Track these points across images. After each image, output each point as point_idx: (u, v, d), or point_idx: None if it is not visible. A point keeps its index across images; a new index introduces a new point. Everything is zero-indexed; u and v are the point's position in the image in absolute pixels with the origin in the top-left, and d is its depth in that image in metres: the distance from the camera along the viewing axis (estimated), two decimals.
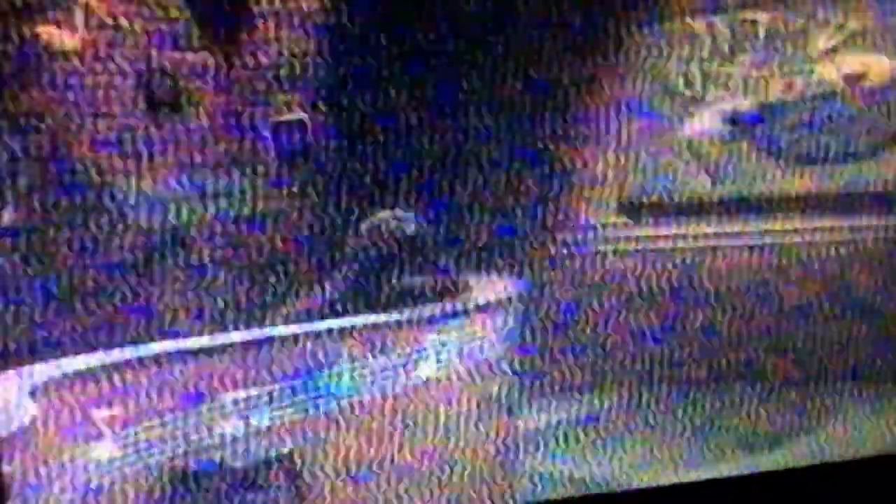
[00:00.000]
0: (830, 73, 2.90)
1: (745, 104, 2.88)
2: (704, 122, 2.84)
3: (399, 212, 2.52)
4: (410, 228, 2.53)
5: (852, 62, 2.94)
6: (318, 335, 2.47)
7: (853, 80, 2.91)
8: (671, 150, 2.81)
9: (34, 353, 2.29)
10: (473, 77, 2.51)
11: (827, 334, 3.06)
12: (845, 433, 3.05)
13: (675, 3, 2.73)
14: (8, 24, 2.12)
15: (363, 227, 2.48)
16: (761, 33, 2.86)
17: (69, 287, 2.29)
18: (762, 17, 2.85)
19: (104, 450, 2.32)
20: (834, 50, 2.90)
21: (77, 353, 2.32)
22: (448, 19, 2.46)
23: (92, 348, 2.33)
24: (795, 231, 3.01)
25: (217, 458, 2.41)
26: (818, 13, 2.86)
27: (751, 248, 2.97)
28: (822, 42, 2.89)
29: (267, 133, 2.37)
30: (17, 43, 2.13)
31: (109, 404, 2.34)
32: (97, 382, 2.34)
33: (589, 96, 2.72)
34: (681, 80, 2.80)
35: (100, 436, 2.31)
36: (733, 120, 2.88)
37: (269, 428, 2.46)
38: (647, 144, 2.75)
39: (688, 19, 2.81)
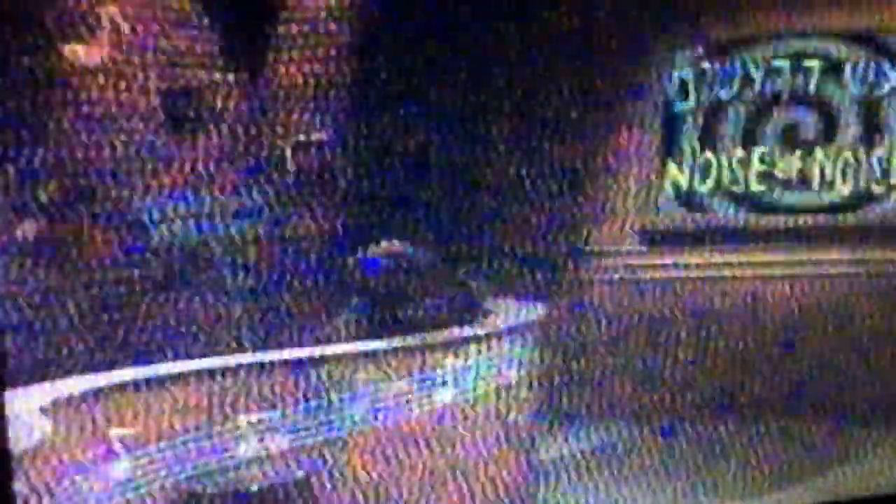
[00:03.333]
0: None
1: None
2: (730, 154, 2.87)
3: (418, 237, 2.51)
4: (430, 254, 2.52)
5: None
6: (336, 359, 2.45)
7: None
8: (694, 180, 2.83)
9: (48, 371, 2.26)
10: (496, 107, 2.53)
11: (843, 371, 3.04)
12: (869, 470, 3.03)
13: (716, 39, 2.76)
14: (34, 42, 2.13)
15: (384, 250, 2.47)
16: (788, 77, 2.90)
17: (86, 304, 2.28)
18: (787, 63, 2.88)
19: (118, 470, 2.28)
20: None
21: (92, 371, 2.29)
22: (472, 51, 2.48)
23: (107, 367, 2.30)
24: (815, 264, 3.01)
25: (232, 480, 2.38)
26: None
27: (767, 279, 2.97)
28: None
29: (287, 153, 2.37)
30: (43, 60, 2.14)
31: (124, 424, 2.30)
32: (112, 401, 2.31)
33: (608, 127, 2.74)
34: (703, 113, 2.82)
35: (114, 455, 2.27)
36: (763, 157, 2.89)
37: (285, 451, 2.42)
38: (667, 175, 2.76)
39: (714, 58, 2.84)
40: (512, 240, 2.63)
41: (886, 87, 3.06)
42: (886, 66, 3.06)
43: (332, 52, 2.40)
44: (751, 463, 2.97)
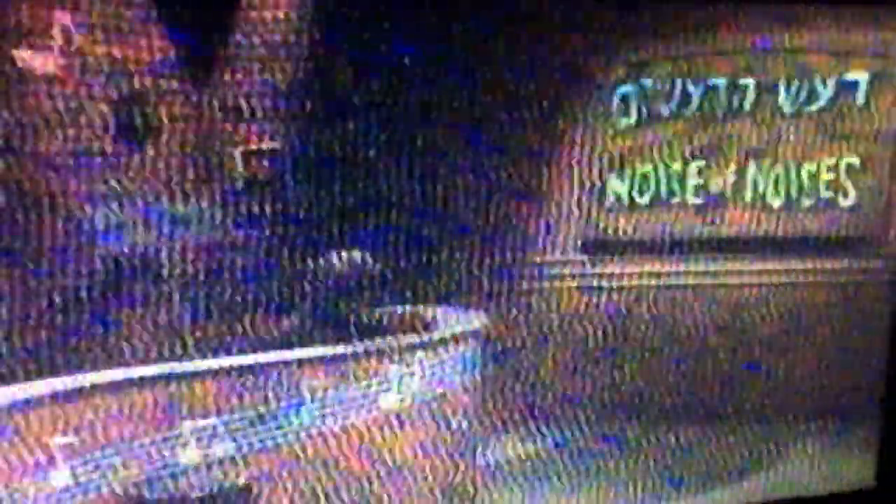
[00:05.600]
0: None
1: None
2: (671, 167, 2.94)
3: (365, 244, 2.53)
4: (377, 261, 2.54)
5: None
6: (281, 365, 2.46)
7: None
8: (635, 189, 2.90)
9: None
10: (445, 115, 2.56)
11: (780, 372, 3.14)
12: (801, 470, 3.12)
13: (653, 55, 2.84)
14: None
15: (330, 258, 2.49)
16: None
17: (27, 310, 2.26)
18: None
19: (59, 478, 2.27)
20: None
21: (33, 378, 2.28)
22: (422, 63, 2.51)
23: (49, 374, 2.29)
24: (752, 272, 3.09)
25: (174, 488, 2.38)
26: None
27: (709, 287, 3.04)
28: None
29: (238, 162, 2.37)
30: None
31: (65, 432, 2.29)
32: (53, 409, 2.30)
33: (552, 140, 2.79)
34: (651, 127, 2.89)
35: (55, 464, 2.26)
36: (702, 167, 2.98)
37: (228, 458, 2.43)
38: (609, 185, 2.82)
39: (654, 74, 2.91)
40: (457, 249, 2.67)
41: (819, 104, 3.16)
42: (819, 83, 3.16)
43: (288, 62, 2.41)
44: (685, 468, 3.05)
